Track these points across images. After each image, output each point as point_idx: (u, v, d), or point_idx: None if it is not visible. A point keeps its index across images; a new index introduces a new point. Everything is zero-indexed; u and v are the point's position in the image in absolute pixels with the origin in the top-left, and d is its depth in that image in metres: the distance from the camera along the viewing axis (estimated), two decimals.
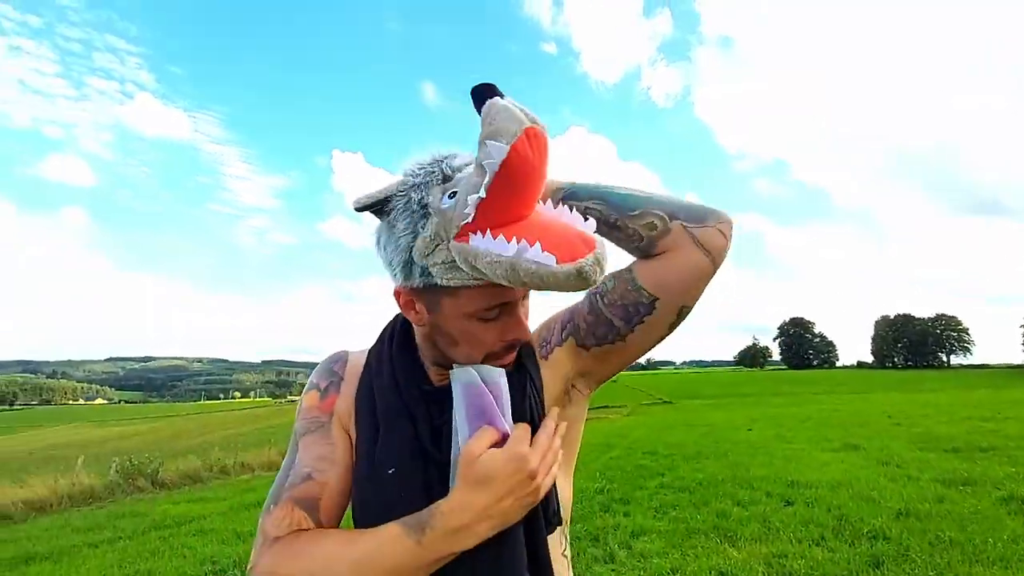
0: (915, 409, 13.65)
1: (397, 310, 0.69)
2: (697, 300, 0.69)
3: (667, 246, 0.65)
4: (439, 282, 0.60)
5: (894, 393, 27.17)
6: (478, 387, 0.63)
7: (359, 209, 0.62)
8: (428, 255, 0.59)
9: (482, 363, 0.66)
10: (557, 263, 0.50)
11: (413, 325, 0.70)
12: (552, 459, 0.63)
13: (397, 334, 0.74)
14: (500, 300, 0.61)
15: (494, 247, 0.53)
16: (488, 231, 0.54)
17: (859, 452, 7.11)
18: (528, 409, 0.68)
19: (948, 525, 3.69)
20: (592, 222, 0.57)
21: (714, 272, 0.67)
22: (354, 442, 0.70)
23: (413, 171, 0.61)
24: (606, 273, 0.54)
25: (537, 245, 0.51)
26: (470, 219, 0.54)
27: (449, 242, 0.57)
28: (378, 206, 0.62)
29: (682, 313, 0.68)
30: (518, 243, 0.52)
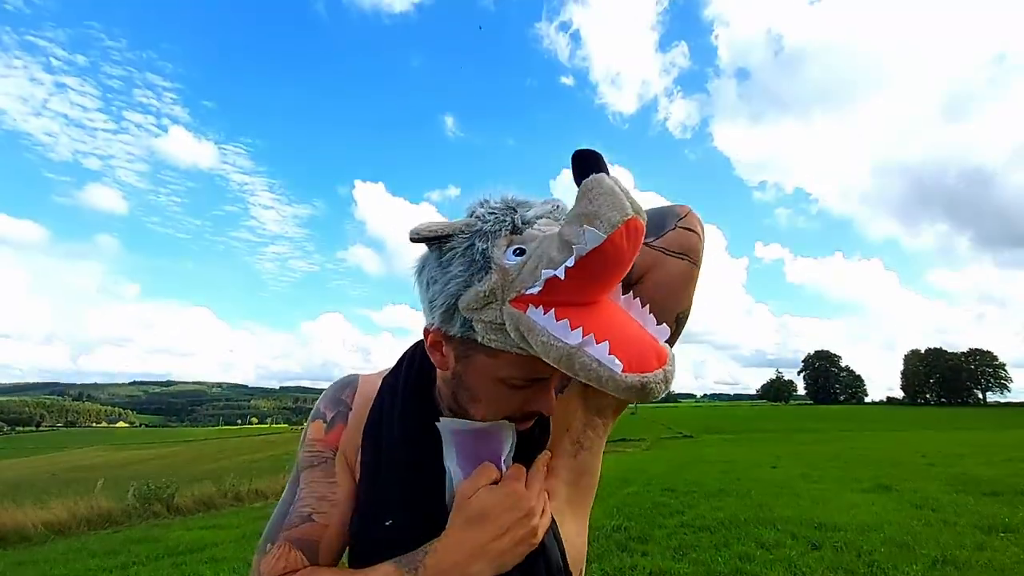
0: (951, 448, 13.01)
1: (417, 338, 0.67)
2: (691, 302, 0.67)
3: (643, 270, 0.63)
4: (480, 339, 0.55)
5: (928, 431, 25.96)
6: (471, 433, 0.60)
7: (415, 240, 0.56)
8: (476, 309, 0.54)
9: (489, 418, 0.63)
10: (623, 371, 0.44)
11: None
12: (545, 500, 0.61)
13: (415, 367, 0.69)
14: (537, 375, 0.57)
15: (555, 329, 0.47)
16: (552, 309, 0.48)
17: (891, 494, 6.78)
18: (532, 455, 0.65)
19: (989, 574, 3.47)
20: (665, 328, 0.51)
21: (698, 269, 0.65)
22: (357, 479, 0.66)
23: (483, 215, 0.55)
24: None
25: (605, 344, 0.46)
26: (536, 292, 0.49)
27: (504, 304, 0.52)
28: (437, 242, 0.56)
29: (680, 320, 0.67)
30: (584, 335, 0.46)
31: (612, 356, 0.45)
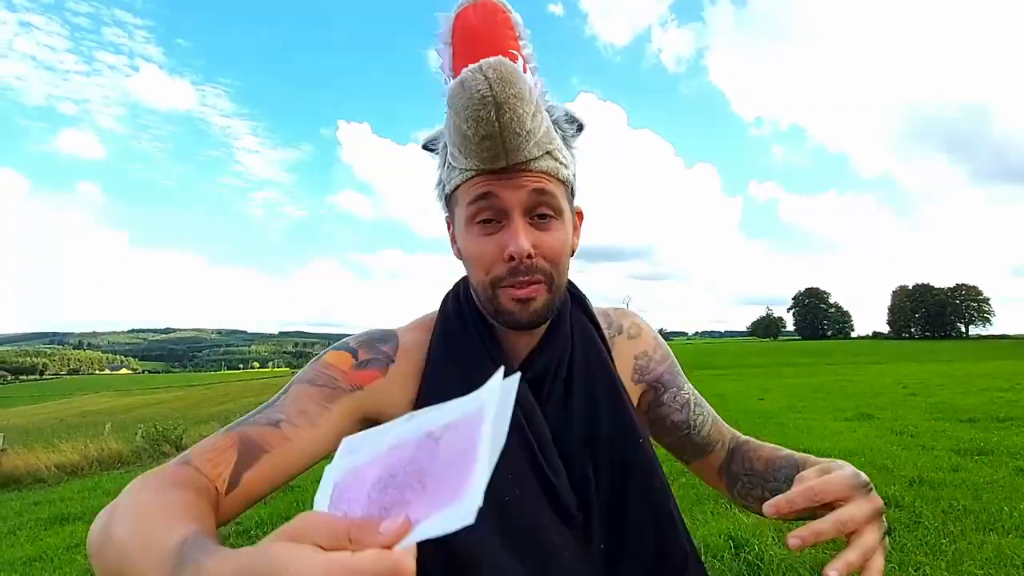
0: (931, 379, 13.51)
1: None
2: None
3: None
4: (446, 188, 0.60)
5: (909, 363, 26.90)
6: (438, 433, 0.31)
7: (424, 148, 0.64)
8: (442, 165, 0.61)
9: (495, 296, 0.57)
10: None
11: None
12: None
13: (461, 307, 0.65)
14: (487, 201, 0.55)
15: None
16: None
17: (872, 422, 7.08)
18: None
19: (962, 494, 3.67)
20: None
21: None
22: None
23: None
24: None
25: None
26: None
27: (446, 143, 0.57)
28: (433, 148, 0.63)
29: None
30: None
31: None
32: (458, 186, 0.57)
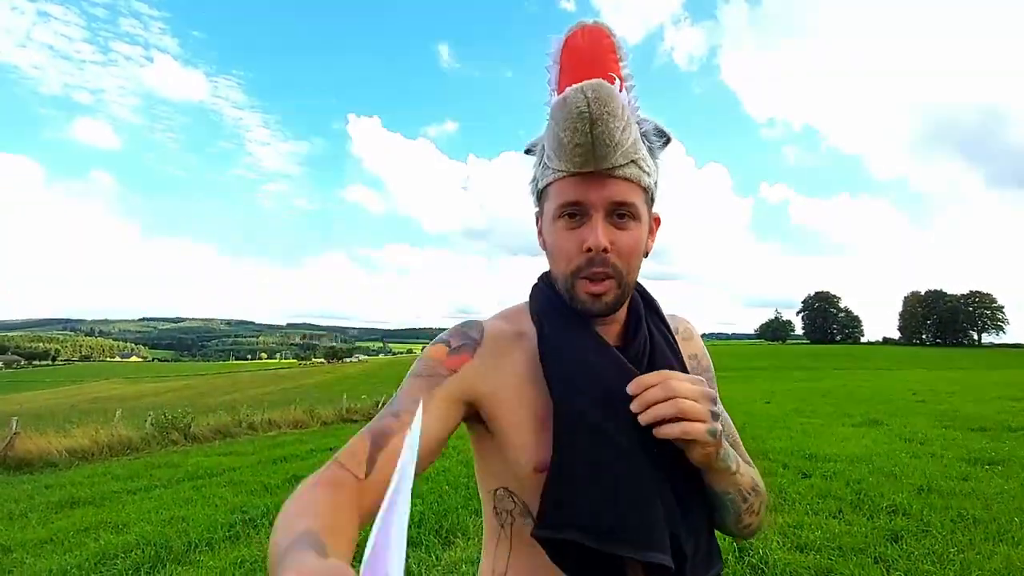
0: (942, 387, 13.36)
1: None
2: None
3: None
4: (540, 185, 0.67)
5: (920, 370, 26.59)
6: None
7: (527, 152, 0.72)
8: (538, 164, 0.68)
9: (573, 286, 0.64)
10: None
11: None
12: None
13: (554, 293, 0.70)
14: (573, 198, 0.62)
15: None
16: None
17: (881, 428, 7.01)
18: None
19: (972, 503, 3.63)
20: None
21: None
22: (464, 414, 0.65)
23: None
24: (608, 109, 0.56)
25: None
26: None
27: (544, 146, 0.64)
28: (532, 151, 0.70)
29: None
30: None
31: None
32: (549, 183, 0.65)
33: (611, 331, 0.70)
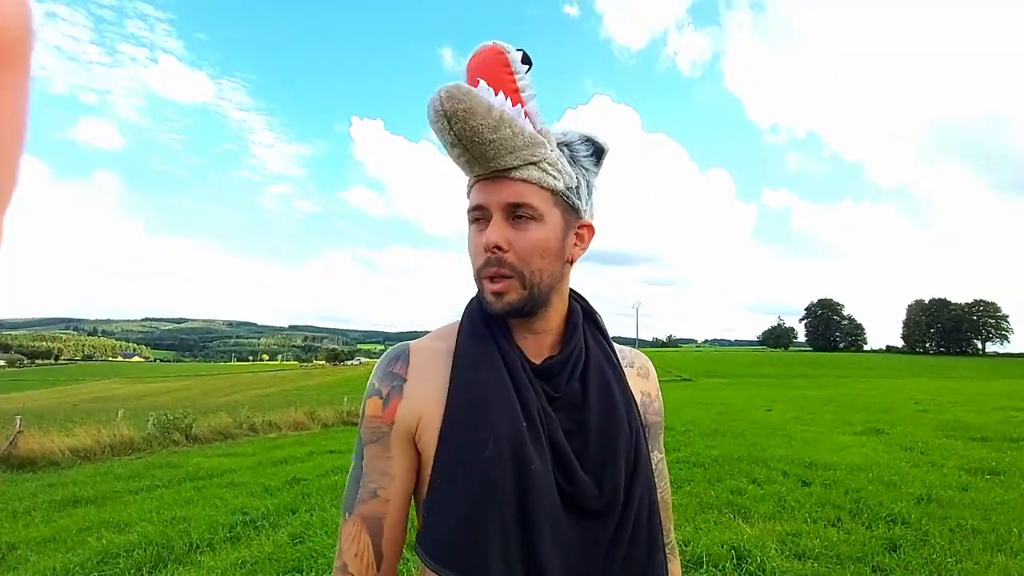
0: (944, 396, 13.30)
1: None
2: None
3: None
4: (467, 195, 0.69)
5: (923, 379, 26.48)
6: None
7: None
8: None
9: (481, 287, 0.67)
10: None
11: None
12: None
13: (475, 306, 0.72)
14: (476, 201, 0.65)
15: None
16: None
17: (881, 437, 7.00)
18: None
19: (971, 513, 3.62)
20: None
21: None
22: (419, 446, 0.67)
23: None
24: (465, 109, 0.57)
25: None
26: None
27: None
28: None
29: None
30: None
31: None
32: (468, 191, 0.68)
33: (544, 341, 0.71)
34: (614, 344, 0.78)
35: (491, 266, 0.64)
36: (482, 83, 0.61)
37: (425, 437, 0.66)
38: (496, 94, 0.60)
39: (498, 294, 0.65)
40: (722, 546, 3.15)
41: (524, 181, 0.63)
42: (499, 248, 0.63)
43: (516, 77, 0.64)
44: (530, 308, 0.66)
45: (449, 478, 0.62)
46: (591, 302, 0.78)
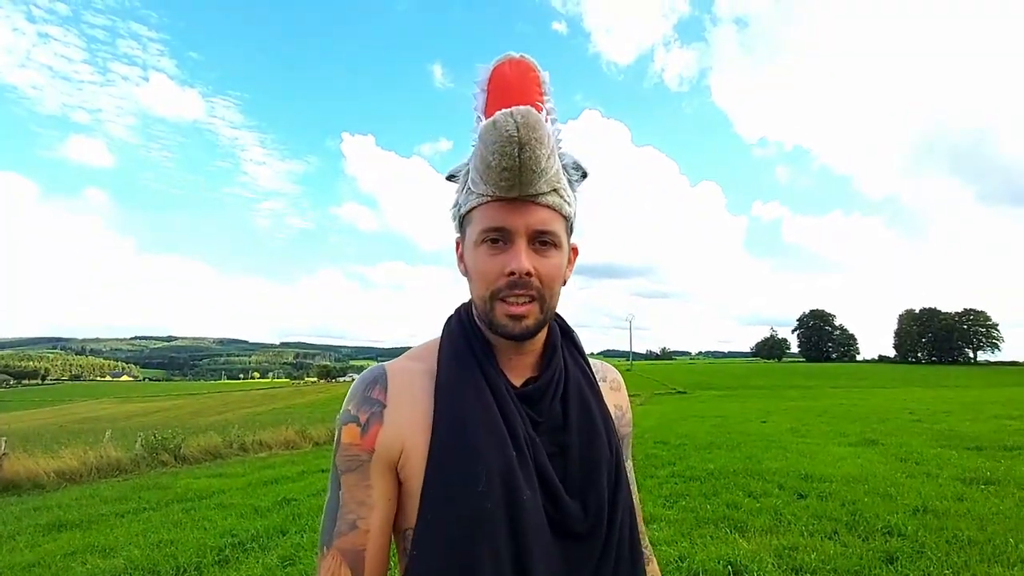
0: (938, 405, 13.35)
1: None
2: None
3: None
4: (462, 210, 0.67)
5: (916, 389, 26.58)
6: None
7: (448, 179, 0.71)
8: (461, 190, 0.67)
9: (492, 309, 0.64)
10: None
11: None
12: None
13: (464, 326, 0.70)
14: (497, 223, 0.63)
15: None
16: None
17: (877, 448, 7.00)
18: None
19: (967, 524, 3.62)
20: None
21: None
22: (401, 473, 0.65)
23: None
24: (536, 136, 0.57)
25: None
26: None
27: (470, 171, 0.64)
28: (454, 177, 0.69)
29: None
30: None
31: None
32: (473, 208, 0.65)
33: (526, 361, 0.70)
34: (583, 348, 0.78)
35: (517, 288, 0.63)
36: (543, 111, 0.61)
37: (408, 466, 0.64)
38: None
39: (517, 317, 0.63)
40: (718, 561, 3.11)
41: (548, 208, 0.63)
42: (529, 274, 0.62)
43: (546, 99, 0.64)
44: (539, 332, 0.66)
45: (440, 511, 0.60)
46: (586, 315, 0.77)
